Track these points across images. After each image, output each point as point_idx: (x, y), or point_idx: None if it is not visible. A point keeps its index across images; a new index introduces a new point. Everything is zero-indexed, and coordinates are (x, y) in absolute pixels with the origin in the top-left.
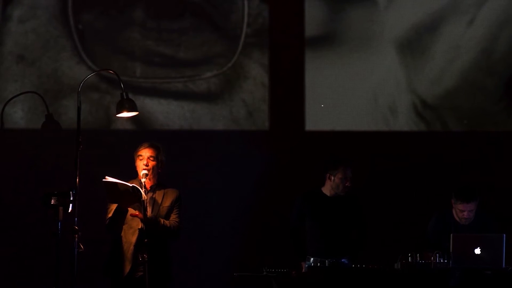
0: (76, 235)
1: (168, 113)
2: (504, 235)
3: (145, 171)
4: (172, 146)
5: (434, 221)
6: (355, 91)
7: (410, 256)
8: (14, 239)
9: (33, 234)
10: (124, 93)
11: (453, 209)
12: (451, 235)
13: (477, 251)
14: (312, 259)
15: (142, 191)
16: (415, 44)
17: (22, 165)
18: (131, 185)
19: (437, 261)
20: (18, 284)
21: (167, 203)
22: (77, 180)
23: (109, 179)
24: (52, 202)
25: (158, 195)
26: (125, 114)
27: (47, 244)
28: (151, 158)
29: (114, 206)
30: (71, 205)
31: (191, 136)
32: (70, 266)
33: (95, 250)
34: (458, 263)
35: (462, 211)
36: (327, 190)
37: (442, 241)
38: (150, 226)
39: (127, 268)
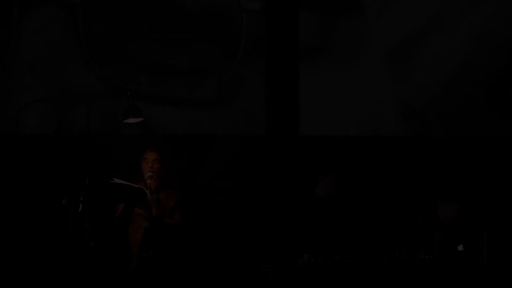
0: (86, 233)
1: (172, 119)
2: (486, 232)
3: (150, 173)
4: (175, 150)
5: (419, 220)
6: (346, 98)
7: (397, 252)
8: (28, 237)
9: (45, 232)
10: (130, 101)
11: (438, 209)
12: (436, 232)
13: (460, 247)
14: (305, 255)
15: (147, 192)
16: (402, 54)
17: (35, 168)
18: (137, 186)
19: (422, 257)
20: (32, 278)
21: (170, 203)
22: (87, 181)
23: (117, 180)
24: (64, 202)
25: (162, 196)
26: (131, 120)
27: (59, 241)
28: (156, 161)
29: (121, 206)
30: (81, 205)
31: (192, 141)
32: (80, 261)
33: (103, 246)
34: (442, 259)
35: (446, 211)
36: (320, 191)
37: (427, 238)
38: (155, 224)
39: (133, 263)
